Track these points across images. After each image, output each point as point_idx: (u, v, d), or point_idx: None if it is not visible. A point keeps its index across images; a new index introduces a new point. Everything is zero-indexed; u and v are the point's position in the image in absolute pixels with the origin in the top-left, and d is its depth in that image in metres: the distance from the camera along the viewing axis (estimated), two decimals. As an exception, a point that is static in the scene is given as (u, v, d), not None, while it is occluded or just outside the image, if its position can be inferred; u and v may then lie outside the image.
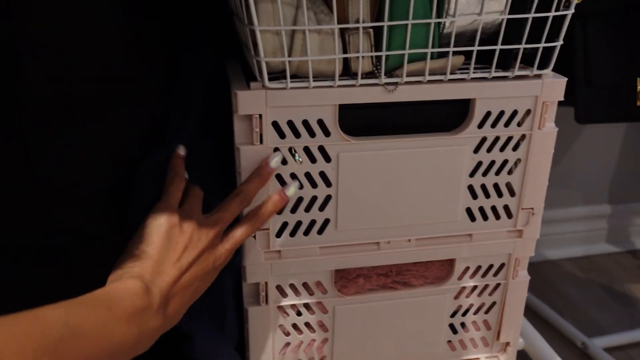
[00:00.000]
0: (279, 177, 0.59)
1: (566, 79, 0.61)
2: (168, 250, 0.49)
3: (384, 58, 0.55)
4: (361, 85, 0.56)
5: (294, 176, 0.59)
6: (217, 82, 0.64)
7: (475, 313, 0.72)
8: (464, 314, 0.72)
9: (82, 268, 0.57)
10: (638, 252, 1.56)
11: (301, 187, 0.59)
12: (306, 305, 0.67)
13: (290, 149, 0.58)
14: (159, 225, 0.50)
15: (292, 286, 0.65)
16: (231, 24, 0.66)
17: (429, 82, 0.57)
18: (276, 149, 0.58)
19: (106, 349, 0.41)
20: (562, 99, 0.62)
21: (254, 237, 0.61)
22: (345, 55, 0.55)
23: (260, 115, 0.56)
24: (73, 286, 0.57)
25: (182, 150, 0.58)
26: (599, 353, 1.13)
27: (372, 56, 0.56)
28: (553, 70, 0.61)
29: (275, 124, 0.57)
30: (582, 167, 1.47)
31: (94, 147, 0.53)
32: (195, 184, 0.57)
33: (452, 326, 0.72)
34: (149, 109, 0.57)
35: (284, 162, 0.58)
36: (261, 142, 0.57)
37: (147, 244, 0.48)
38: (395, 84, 0.57)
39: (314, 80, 0.55)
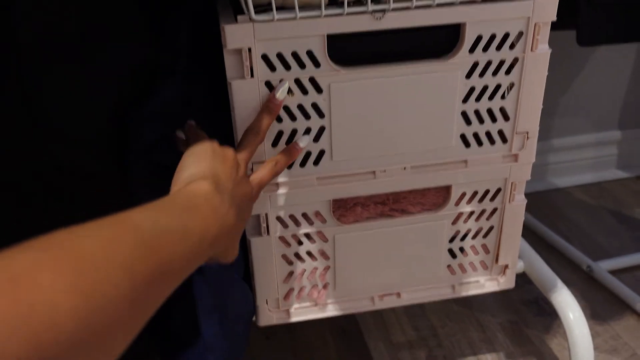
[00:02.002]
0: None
1: (558, -2, 0.60)
2: (220, 164, 0.50)
3: (369, -16, 0.55)
4: (348, 14, 0.56)
5: (286, 108, 0.60)
6: (208, 21, 0.64)
7: (474, 237, 0.74)
8: (462, 239, 0.73)
9: (86, 206, 0.59)
10: (648, 176, 1.56)
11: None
12: (307, 235, 0.69)
13: (281, 81, 0.59)
14: (206, 147, 0.51)
15: (292, 217, 0.67)
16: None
17: (417, 7, 0.57)
18: (281, 80, 0.58)
19: (194, 246, 0.40)
20: (554, 19, 0.61)
21: (252, 170, 0.63)
22: (331, -16, 0.54)
23: (250, 49, 0.56)
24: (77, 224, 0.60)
25: (192, 122, 0.59)
26: (604, 275, 1.15)
27: (358, -17, 0.55)
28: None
29: (265, 57, 0.57)
30: (591, 93, 1.45)
31: (87, 86, 0.54)
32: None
33: (451, 251, 0.74)
34: (139, 48, 0.57)
35: (276, 95, 0.59)
36: (252, 75, 0.58)
37: (201, 158, 0.49)
38: (383, 10, 0.56)
39: (300, 11, 0.55)
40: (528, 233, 1.31)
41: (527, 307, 1.10)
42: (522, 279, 0.93)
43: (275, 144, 0.62)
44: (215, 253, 0.46)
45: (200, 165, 0.49)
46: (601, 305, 1.11)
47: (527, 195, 0.71)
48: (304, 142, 0.61)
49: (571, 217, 1.40)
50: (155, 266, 0.35)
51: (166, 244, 0.37)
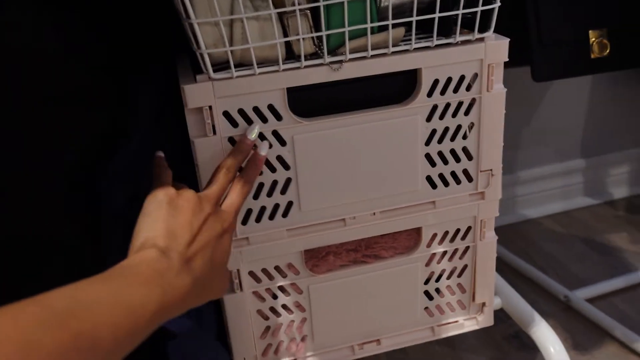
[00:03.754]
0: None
1: (508, 39, 0.62)
2: (176, 217, 0.49)
3: (325, 38, 0.56)
4: (306, 66, 0.57)
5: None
6: (171, 82, 0.65)
7: (449, 278, 0.74)
8: (437, 280, 0.73)
9: (55, 279, 0.57)
10: (615, 202, 1.59)
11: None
12: (281, 288, 0.68)
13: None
14: (160, 201, 0.50)
15: (264, 270, 0.66)
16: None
17: (373, 56, 0.58)
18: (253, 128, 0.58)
19: (128, 314, 0.40)
20: (506, 59, 0.63)
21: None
22: (286, 39, 0.55)
23: (210, 107, 0.56)
24: None
25: (161, 154, 0.59)
26: (581, 304, 1.15)
27: (313, 37, 0.56)
28: (507, 29, 0.62)
29: (226, 114, 0.57)
30: (553, 124, 1.48)
31: (42, 149, 0.53)
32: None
33: (427, 293, 0.74)
34: (99, 112, 0.57)
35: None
36: (214, 132, 0.58)
37: (154, 219, 0.49)
38: (340, 62, 0.58)
39: (258, 67, 0.55)
40: (503, 266, 1.32)
41: (509, 342, 1.09)
42: (502, 313, 0.93)
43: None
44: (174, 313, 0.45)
45: (153, 227, 0.48)
46: (581, 334, 1.11)
47: (498, 228, 0.72)
48: (264, 150, 0.59)
49: (544, 247, 1.42)
50: (70, 338, 0.35)
51: (88, 315, 0.37)
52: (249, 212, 0.62)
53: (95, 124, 0.56)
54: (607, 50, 0.97)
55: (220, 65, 0.57)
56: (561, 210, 1.56)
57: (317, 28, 0.56)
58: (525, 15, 0.93)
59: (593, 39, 0.95)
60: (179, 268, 0.46)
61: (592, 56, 0.96)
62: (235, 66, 0.55)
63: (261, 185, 0.61)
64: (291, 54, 0.57)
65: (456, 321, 0.77)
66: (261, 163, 0.59)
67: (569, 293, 1.18)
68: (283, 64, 0.56)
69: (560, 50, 0.94)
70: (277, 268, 0.66)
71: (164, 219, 0.48)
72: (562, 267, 1.34)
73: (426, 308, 0.75)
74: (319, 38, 0.56)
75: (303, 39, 0.55)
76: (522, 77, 0.99)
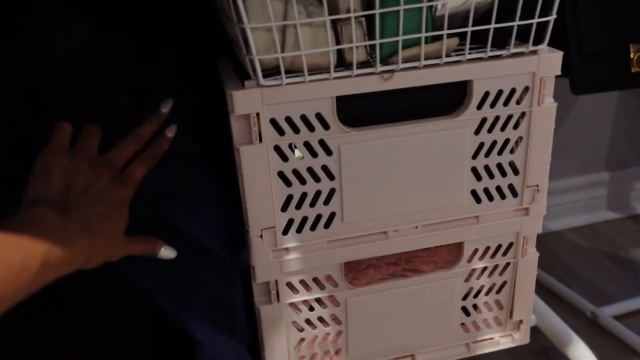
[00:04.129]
0: (282, 176, 0.58)
1: (562, 52, 0.61)
2: (75, 179, 0.49)
3: (378, 46, 0.54)
4: (357, 75, 0.55)
5: (295, 172, 0.59)
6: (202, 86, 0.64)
7: (487, 294, 0.72)
8: (475, 296, 0.71)
9: None
10: (639, 216, 1.56)
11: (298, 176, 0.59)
12: (318, 300, 0.66)
13: (290, 145, 0.58)
14: (45, 162, 0.49)
15: (302, 282, 0.65)
16: (219, 23, 0.65)
17: (425, 66, 0.57)
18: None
19: (10, 271, 0.40)
20: (559, 73, 0.61)
21: (261, 236, 0.60)
22: (339, 47, 0.54)
23: (258, 114, 0.55)
24: None
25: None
26: (609, 321, 1.13)
27: (366, 45, 0.55)
28: (548, 45, 0.60)
29: (273, 121, 0.56)
30: (578, 137, 1.46)
31: None
32: (92, 123, 0.56)
33: (464, 308, 0.72)
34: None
35: (286, 159, 0.58)
36: (260, 140, 0.56)
37: (44, 177, 0.48)
38: (392, 71, 0.56)
39: (309, 74, 0.54)
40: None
41: (536, 359, 1.07)
42: (534, 332, 0.91)
43: (284, 208, 0.60)
44: (90, 262, 0.45)
45: (43, 184, 0.48)
46: (609, 353, 1.09)
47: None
48: (171, 132, 0.60)
49: (567, 261, 1.40)
50: None
51: None
52: (291, 222, 0.61)
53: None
54: (647, 64, 0.95)
55: (268, 71, 0.55)
56: (584, 223, 1.54)
57: (371, 36, 0.54)
58: (565, 26, 0.91)
59: (634, 53, 0.93)
60: (64, 220, 0.45)
61: (633, 70, 0.94)
62: (285, 72, 0.54)
63: (304, 195, 0.60)
64: (341, 62, 0.56)
65: (492, 338, 0.75)
66: (166, 143, 0.59)
67: (596, 309, 1.16)
68: (334, 72, 0.54)
69: (600, 63, 0.92)
70: (315, 280, 0.65)
71: (54, 178, 0.48)
72: (586, 282, 1.31)
73: (462, 324, 0.73)
74: (372, 46, 0.55)
75: (356, 47, 0.53)
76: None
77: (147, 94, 0.61)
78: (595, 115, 1.45)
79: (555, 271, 1.34)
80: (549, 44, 0.60)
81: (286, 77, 0.54)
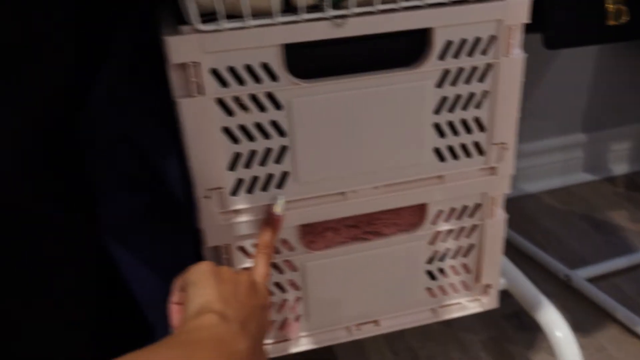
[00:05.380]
0: (228, 132, 0.54)
1: (530, -2, 0.56)
2: (223, 285, 0.48)
3: (328, -12, 0.49)
4: (306, 20, 0.51)
5: (242, 127, 0.54)
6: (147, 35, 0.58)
7: (453, 257, 0.69)
8: (441, 259, 0.68)
9: (26, 247, 0.52)
10: (616, 178, 1.54)
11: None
12: (274, 265, 0.63)
13: (235, 99, 0.53)
14: (204, 271, 0.49)
15: (256, 246, 0.61)
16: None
17: (381, 11, 0.52)
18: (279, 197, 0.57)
19: None
20: (528, 20, 0.57)
21: (208, 197, 0.56)
22: (285, -12, 0.49)
23: (196, 63, 0.50)
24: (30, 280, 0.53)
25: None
26: (582, 284, 1.12)
27: (315, -13, 0.50)
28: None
29: (215, 72, 0.51)
30: (554, 97, 1.43)
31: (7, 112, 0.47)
32: None
33: (429, 273, 0.69)
34: (58, 67, 0.51)
35: (230, 114, 0.53)
36: (201, 92, 0.51)
37: (204, 286, 0.48)
38: (344, 16, 0.51)
39: (252, 19, 0.49)
40: (502, 243, 1.27)
41: (508, 322, 1.06)
42: (501, 291, 0.89)
43: (232, 167, 0.56)
44: None
45: (206, 293, 0.47)
46: (582, 315, 1.07)
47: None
48: (280, 207, 0.58)
49: (543, 224, 1.38)
50: None
51: None
52: (240, 182, 0.57)
53: (55, 76, 0.50)
54: (624, 18, 0.91)
55: (208, 16, 0.50)
56: (560, 185, 1.52)
57: (320, -24, 0.49)
58: (540, -24, 0.86)
59: (610, 5, 0.89)
60: (238, 332, 0.45)
61: (609, 23, 0.90)
62: (226, 17, 0.49)
63: (253, 152, 0.56)
64: (288, 6, 0.51)
65: (459, 303, 0.72)
66: (279, 223, 0.58)
67: (570, 272, 1.14)
68: (280, 16, 0.49)
69: (575, 16, 0.88)
70: (269, 244, 0.61)
71: (213, 286, 0.47)
72: (561, 244, 1.30)
73: (428, 288, 0.70)
74: (322, -12, 0.50)
75: (304, -12, 0.49)
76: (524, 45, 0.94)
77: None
78: (571, 75, 1.42)
79: (530, 234, 1.32)
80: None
81: (227, 22, 0.49)
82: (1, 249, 0.52)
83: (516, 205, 1.44)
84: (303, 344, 0.69)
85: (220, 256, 0.60)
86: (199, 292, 0.47)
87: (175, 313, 0.50)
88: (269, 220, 0.58)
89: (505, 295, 0.91)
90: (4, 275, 0.52)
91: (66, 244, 0.55)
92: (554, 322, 0.74)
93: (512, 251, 1.25)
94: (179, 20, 0.51)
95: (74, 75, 0.50)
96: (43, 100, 0.49)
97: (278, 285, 0.64)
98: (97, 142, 0.54)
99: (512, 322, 1.06)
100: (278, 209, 0.58)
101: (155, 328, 0.60)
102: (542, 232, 1.34)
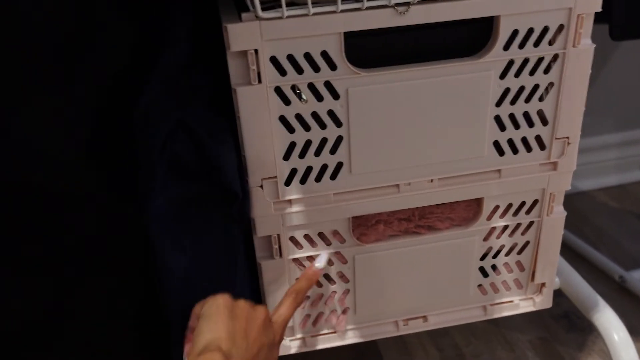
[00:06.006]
0: (284, 122, 0.53)
1: (602, -15, 0.54)
2: (234, 323, 0.49)
3: (392, -26, 0.48)
4: (368, 8, 0.49)
5: (299, 117, 0.53)
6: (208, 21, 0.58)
7: (507, 254, 0.67)
8: (495, 256, 0.66)
9: (79, 236, 0.53)
10: (675, 177, 1.48)
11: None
12: (324, 257, 0.62)
13: (293, 87, 0.52)
14: (220, 305, 0.50)
15: (307, 237, 0.60)
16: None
17: (446, -1, 0.50)
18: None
19: None
20: (599, 9, 0.54)
21: (261, 187, 0.56)
22: (348, -26, 0.48)
23: (257, 51, 0.49)
24: (71, 257, 0.54)
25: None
26: (637, 285, 1.08)
27: (378, -27, 0.49)
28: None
29: (273, 60, 0.50)
30: (612, 92, 1.38)
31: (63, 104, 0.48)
32: None
33: (482, 269, 0.67)
34: (117, 56, 0.51)
35: (288, 103, 0.52)
36: (259, 81, 0.51)
37: (215, 322, 0.49)
38: (407, 4, 0.50)
39: (313, 6, 0.48)
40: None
41: (558, 322, 1.03)
42: (557, 295, 0.86)
43: (287, 157, 0.55)
44: None
45: (215, 329, 0.48)
46: (637, 318, 1.03)
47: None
48: (321, 262, 0.60)
49: (596, 223, 1.33)
50: None
51: None
52: (294, 172, 0.56)
53: (114, 64, 0.50)
54: (697, 9, 0.86)
55: (269, 4, 0.49)
56: (616, 183, 1.47)
57: (384, -38, 0.48)
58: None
59: (683, -5, 0.84)
60: None
61: (681, 14, 0.85)
62: (287, 5, 0.48)
63: (309, 142, 0.55)
64: (351, -7, 0.50)
65: (511, 301, 0.70)
66: (316, 277, 0.59)
67: (625, 273, 1.10)
68: (342, 4, 0.48)
69: (644, 6, 0.84)
70: (321, 235, 0.60)
71: (224, 322, 0.48)
72: (615, 244, 1.25)
73: (480, 285, 0.68)
74: (385, -25, 0.49)
75: (367, -26, 0.47)
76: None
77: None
78: (630, 69, 1.36)
79: (583, 232, 1.28)
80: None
81: (288, 10, 0.48)
82: (67, 236, 0.53)
83: (568, 203, 1.39)
84: (350, 337, 0.68)
85: (272, 246, 0.60)
86: (209, 327, 0.48)
87: (189, 341, 0.52)
88: (308, 271, 0.59)
89: (555, 295, 0.88)
90: (66, 259, 0.53)
91: (116, 231, 0.56)
92: (611, 324, 0.71)
93: (564, 249, 1.21)
94: (239, 7, 0.51)
95: (132, 64, 0.51)
96: (102, 89, 0.50)
97: (327, 277, 0.63)
98: (151, 129, 0.54)
99: (561, 322, 1.02)
100: (320, 264, 0.60)
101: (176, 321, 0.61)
102: (595, 231, 1.29)
